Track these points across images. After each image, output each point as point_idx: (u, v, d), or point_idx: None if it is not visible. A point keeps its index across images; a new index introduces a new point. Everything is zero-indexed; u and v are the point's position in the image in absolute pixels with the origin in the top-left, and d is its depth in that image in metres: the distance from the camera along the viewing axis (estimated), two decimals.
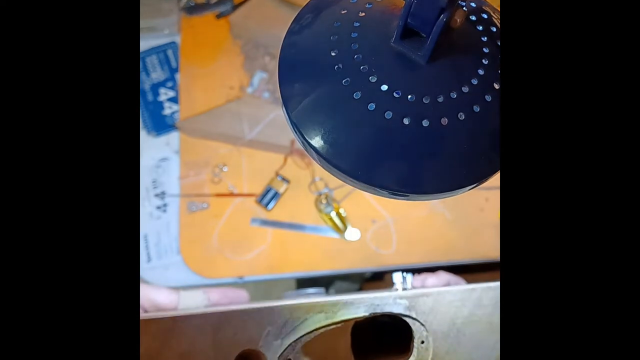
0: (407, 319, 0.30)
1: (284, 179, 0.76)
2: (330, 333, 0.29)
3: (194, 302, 0.37)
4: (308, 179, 0.76)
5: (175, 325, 0.26)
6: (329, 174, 0.23)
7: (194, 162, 0.78)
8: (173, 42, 0.84)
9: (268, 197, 0.75)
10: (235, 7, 0.84)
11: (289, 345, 0.28)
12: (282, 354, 0.27)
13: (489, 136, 0.21)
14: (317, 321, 0.28)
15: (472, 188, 0.22)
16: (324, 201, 0.75)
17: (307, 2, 0.26)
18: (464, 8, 0.23)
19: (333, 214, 0.75)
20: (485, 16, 0.23)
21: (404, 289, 0.36)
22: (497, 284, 0.33)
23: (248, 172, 0.77)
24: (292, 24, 0.25)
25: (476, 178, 0.22)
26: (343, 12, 0.23)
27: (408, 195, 0.22)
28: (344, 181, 0.22)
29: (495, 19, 0.24)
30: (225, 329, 0.27)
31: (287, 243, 0.75)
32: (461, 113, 0.21)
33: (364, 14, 0.23)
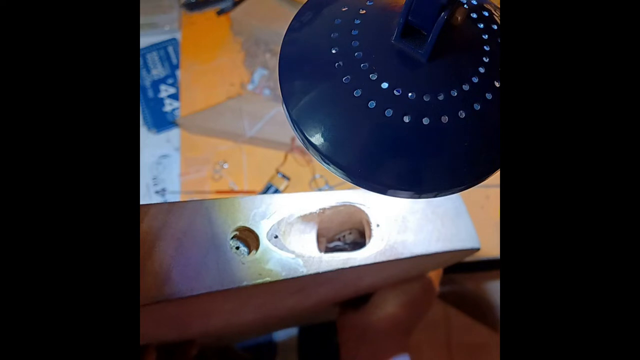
0: (363, 208, 0.36)
1: (285, 176, 0.76)
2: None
3: None
4: (308, 176, 0.76)
5: (173, 207, 0.30)
6: (329, 171, 0.23)
7: (195, 159, 0.78)
8: (174, 39, 0.84)
9: (268, 194, 0.76)
10: (235, 3, 0.84)
11: (272, 225, 0.32)
12: (269, 231, 0.32)
13: (489, 134, 0.21)
14: (295, 205, 0.34)
15: (473, 186, 0.22)
16: None
17: None
18: (465, 6, 0.23)
19: None
20: (486, 14, 0.23)
21: None
22: None
23: (248, 169, 0.77)
24: (292, 21, 0.25)
25: (476, 176, 0.22)
26: (344, 9, 0.23)
27: (408, 193, 0.22)
28: (344, 179, 0.22)
29: (496, 16, 0.24)
30: (218, 211, 0.31)
31: None
32: (462, 111, 0.21)
33: (364, 11, 0.23)
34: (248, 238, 0.32)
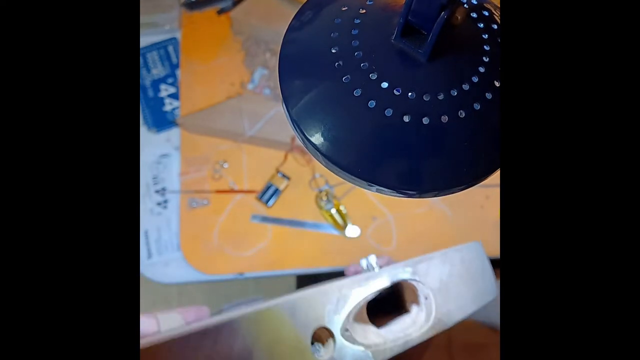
0: (414, 282, 0.38)
1: (285, 176, 0.76)
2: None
3: (173, 324, 0.38)
4: (309, 175, 0.77)
5: (259, 316, 0.30)
6: (329, 171, 0.23)
7: (195, 158, 0.78)
8: (174, 38, 0.84)
9: (268, 193, 0.75)
10: (235, 3, 0.84)
11: (344, 320, 0.33)
12: (342, 326, 0.32)
13: (489, 134, 0.21)
14: (359, 294, 0.34)
15: (473, 186, 0.22)
16: (324, 198, 0.75)
17: None
18: (465, 5, 0.23)
19: (333, 211, 0.75)
20: (486, 13, 0.23)
21: (373, 268, 0.43)
22: (459, 247, 0.42)
23: (248, 168, 0.77)
24: (292, 20, 0.25)
25: (476, 176, 0.22)
26: (344, 8, 0.23)
27: (408, 193, 0.22)
28: (344, 178, 0.22)
29: (497, 16, 0.23)
30: (299, 313, 0.31)
31: (287, 240, 0.75)
32: (461, 111, 0.21)
33: (364, 10, 0.23)
34: (322, 334, 0.32)
